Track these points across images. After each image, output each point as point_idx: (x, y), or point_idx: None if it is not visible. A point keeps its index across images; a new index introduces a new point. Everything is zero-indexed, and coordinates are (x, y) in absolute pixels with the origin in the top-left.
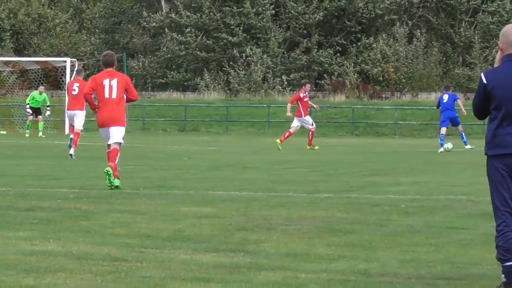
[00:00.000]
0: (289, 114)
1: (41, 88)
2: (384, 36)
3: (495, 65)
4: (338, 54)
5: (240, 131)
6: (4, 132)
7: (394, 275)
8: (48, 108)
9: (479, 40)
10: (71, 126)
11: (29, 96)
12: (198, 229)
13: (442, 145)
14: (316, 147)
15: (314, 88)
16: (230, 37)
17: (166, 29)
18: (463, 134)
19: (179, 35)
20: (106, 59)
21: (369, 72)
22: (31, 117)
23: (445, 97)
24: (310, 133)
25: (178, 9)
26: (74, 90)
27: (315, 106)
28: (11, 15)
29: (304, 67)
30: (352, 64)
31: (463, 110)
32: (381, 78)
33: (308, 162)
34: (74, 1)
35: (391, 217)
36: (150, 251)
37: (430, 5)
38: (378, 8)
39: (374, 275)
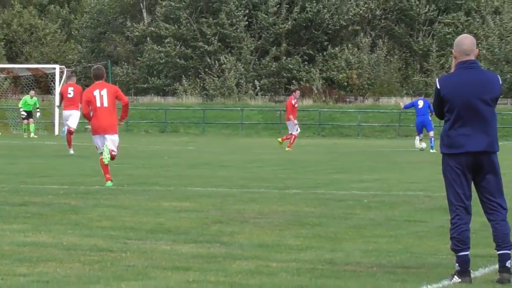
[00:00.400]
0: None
1: (32, 92)
2: (349, 45)
3: (451, 71)
4: (306, 61)
5: (216, 132)
6: None
7: (358, 264)
8: (38, 110)
9: (436, 48)
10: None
11: (22, 100)
12: (177, 222)
13: (432, 147)
14: (282, 146)
15: (284, 93)
16: (206, 46)
17: (148, 38)
18: (433, 139)
19: (159, 46)
20: (96, 73)
21: (334, 78)
22: (25, 121)
23: (420, 103)
24: (293, 138)
25: (158, 22)
26: (70, 93)
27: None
28: (5, 25)
29: (274, 73)
30: (319, 71)
31: None
32: (345, 84)
33: (278, 161)
34: (63, 12)
35: (354, 211)
36: (133, 242)
37: (391, 16)
38: (343, 19)
39: (339, 264)
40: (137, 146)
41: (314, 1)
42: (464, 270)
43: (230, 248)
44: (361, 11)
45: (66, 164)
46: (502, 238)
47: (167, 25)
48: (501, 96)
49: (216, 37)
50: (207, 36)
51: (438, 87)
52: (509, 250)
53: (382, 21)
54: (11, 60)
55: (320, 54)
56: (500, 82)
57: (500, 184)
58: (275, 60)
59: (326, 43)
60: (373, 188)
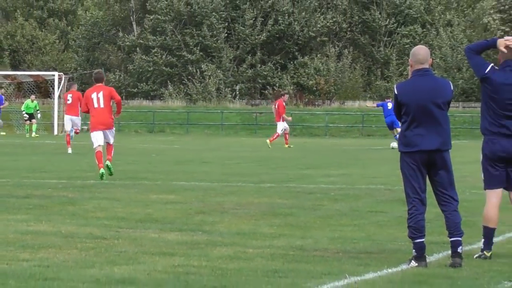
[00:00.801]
0: (288, 118)
1: (32, 96)
2: (318, 55)
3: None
4: (279, 69)
5: (198, 132)
6: (4, 133)
7: (325, 250)
8: (38, 112)
9: (396, 57)
10: (74, 128)
11: (24, 104)
12: (164, 213)
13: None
14: (270, 147)
15: (259, 97)
16: (190, 55)
17: (137, 48)
18: (398, 137)
19: (147, 56)
20: (96, 76)
21: (304, 84)
22: (28, 122)
23: (389, 105)
24: (276, 135)
25: (146, 34)
26: (69, 100)
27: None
28: (9, 36)
29: (250, 79)
30: (290, 78)
31: None
32: (314, 89)
33: (255, 158)
34: (61, 24)
35: (322, 202)
36: (125, 231)
37: (356, 28)
38: (312, 31)
39: (309, 250)
40: (128, 145)
41: (286, 15)
42: (420, 255)
43: (211, 236)
44: (328, 23)
45: (64, 161)
46: (454, 227)
47: (154, 37)
48: (453, 100)
49: (198, 47)
50: (190, 46)
51: (396, 92)
52: (460, 237)
53: (348, 33)
54: (14, 67)
55: (292, 62)
56: (452, 88)
57: (452, 179)
58: (251, 67)
59: (296, 52)
60: (339, 182)
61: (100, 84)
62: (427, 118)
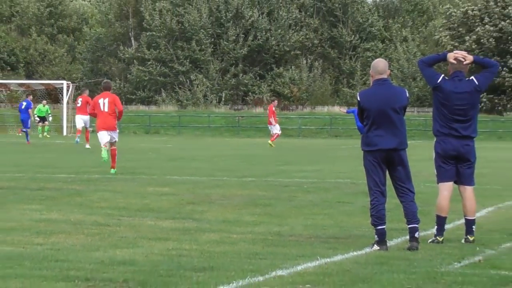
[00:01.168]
0: (274, 122)
1: (44, 102)
2: (292, 66)
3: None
4: (258, 78)
5: (188, 133)
6: (20, 134)
7: (299, 235)
8: (50, 115)
9: (360, 68)
10: (84, 127)
11: (36, 108)
12: (159, 203)
13: None
14: (273, 146)
15: (241, 103)
16: (180, 67)
17: (135, 61)
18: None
19: (143, 67)
20: (104, 85)
21: (280, 91)
22: (40, 124)
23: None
24: (276, 135)
25: (142, 48)
26: (78, 103)
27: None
28: (24, 50)
29: (234, 87)
30: (268, 86)
31: None
32: (289, 96)
33: (238, 155)
34: (69, 40)
35: (296, 194)
36: (125, 219)
37: (325, 43)
38: (287, 45)
39: (285, 236)
40: (127, 144)
41: (264, 31)
42: (381, 240)
43: (200, 223)
44: (301, 39)
45: (72, 158)
46: (411, 215)
47: (150, 51)
48: (409, 106)
49: (188, 60)
50: (181, 59)
51: (359, 99)
52: (417, 224)
53: (318, 47)
54: (28, 77)
55: (269, 73)
56: (407, 95)
57: (409, 174)
58: (234, 77)
59: (273, 64)
60: (311, 177)
61: (107, 91)
62: (386, 121)
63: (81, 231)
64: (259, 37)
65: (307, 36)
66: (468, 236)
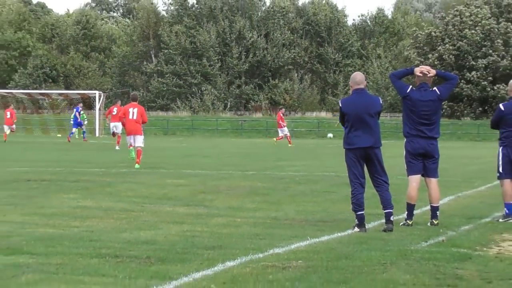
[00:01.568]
0: (283, 126)
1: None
2: (286, 79)
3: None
4: (257, 88)
5: (200, 135)
6: (60, 135)
7: (293, 219)
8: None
9: (342, 81)
10: (113, 132)
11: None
12: (176, 193)
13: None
14: (291, 145)
15: (243, 109)
16: (193, 79)
17: (155, 74)
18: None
19: (162, 79)
20: (133, 96)
21: (276, 100)
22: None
23: None
24: (288, 136)
25: (161, 64)
26: (114, 111)
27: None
28: (63, 65)
29: (237, 96)
30: (265, 95)
31: None
32: (283, 103)
33: (241, 153)
34: (100, 57)
35: (290, 185)
36: (148, 206)
37: (313, 60)
38: (281, 61)
39: (281, 220)
40: (149, 144)
41: (262, 50)
42: (361, 223)
43: (210, 209)
44: (293, 56)
45: (103, 155)
46: (386, 202)
47: (167, 66)
48: (383, 111)
49: (199, 73)
50: (193, 73)
51: (340, 105)
52: (391, 209)
53: (308, 63)
54: (67, 88)
55: (266, 84)
56: (381, 102)
57: (384, 168)
58: (237, 87)
59: (270, 77)
60: (302, 171)
61: (135, 102)
62: (363, 124)
63: (111, 216)
64: (258, 54)
65: (299, 54)
66: (433, 220)
